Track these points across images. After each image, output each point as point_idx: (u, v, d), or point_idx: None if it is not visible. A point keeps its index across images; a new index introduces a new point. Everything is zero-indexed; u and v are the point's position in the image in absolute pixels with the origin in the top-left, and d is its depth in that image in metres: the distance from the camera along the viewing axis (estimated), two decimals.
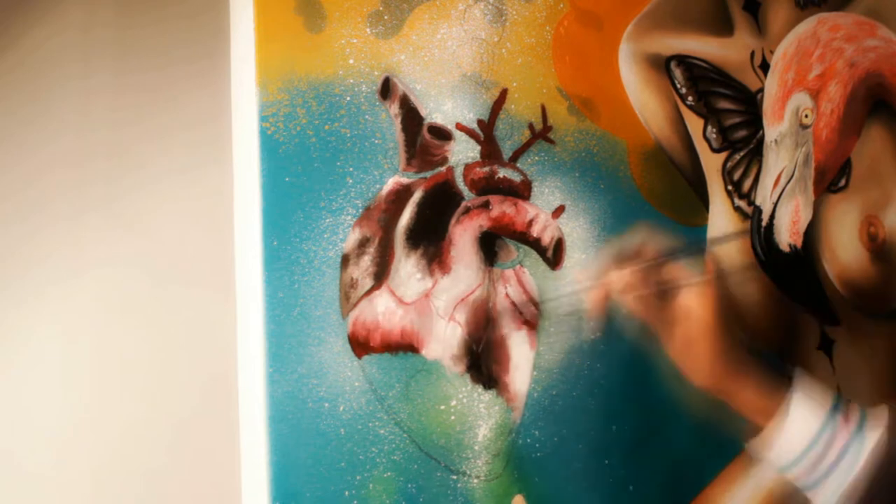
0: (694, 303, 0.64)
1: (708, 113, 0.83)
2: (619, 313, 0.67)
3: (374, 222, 0.73)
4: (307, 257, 0.71)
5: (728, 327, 0.64)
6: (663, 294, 0.65)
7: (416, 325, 0.73)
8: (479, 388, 0.74)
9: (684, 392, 0.79)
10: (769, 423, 0.64)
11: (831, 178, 0.88)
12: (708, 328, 0.64)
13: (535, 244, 0.76)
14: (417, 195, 0.74)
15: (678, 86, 0.82)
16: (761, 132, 0.85)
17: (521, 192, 0.76)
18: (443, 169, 0.75)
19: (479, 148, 0.75)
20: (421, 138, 0.74)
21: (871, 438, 0.61)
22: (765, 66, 0.86)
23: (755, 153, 0.85)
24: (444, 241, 0.74)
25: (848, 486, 0.60)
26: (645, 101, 0.81)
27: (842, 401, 0.64)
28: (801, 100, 0.85)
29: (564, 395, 0.76)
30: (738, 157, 0.84)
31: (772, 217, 0.84)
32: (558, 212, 0.77)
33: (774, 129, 0.85)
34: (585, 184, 0.78)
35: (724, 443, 0.82)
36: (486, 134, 0.76)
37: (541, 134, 0.77)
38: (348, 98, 0.73)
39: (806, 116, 0.85)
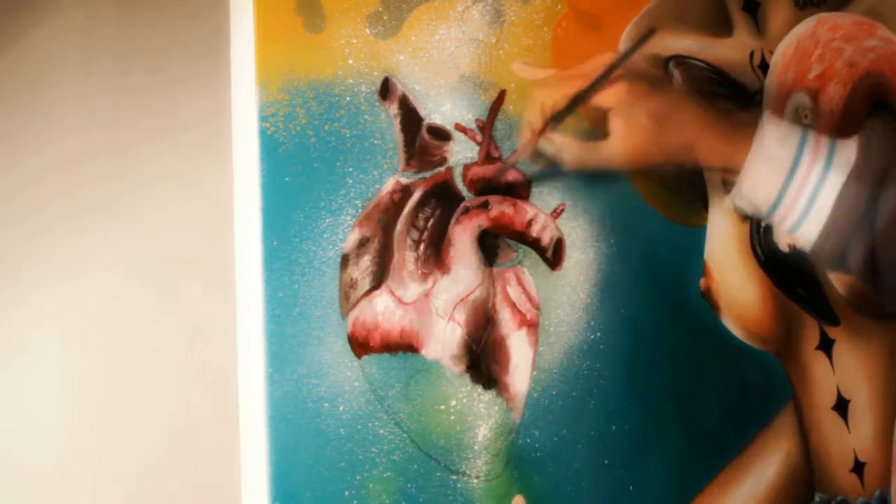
0: (630, 118, 0.62)
1: None
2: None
3: (373, 222, 0.73)
4: (307, 257, 0.71)
5: (675, 115, 0.62)
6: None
7: (416, 325, 0.73)
8: (479, 389, 0.74)
9: (685, 392, 0.80)
10: (740, 168, 0.61)
11: None
12: (658, 128, 0.62)
13: (535, 244, 0.76)
14: (417, 195, 0.74)
15: (678, 86, 0.82)
16: None
17: (519, 192, 0.76)
18: (442, 169, 0.75)
19: (477, 148, 0.76)
20: (420, 138, 0.74)
21: (843, 167, 0.59)
22: (764, 67, 0.86)
23: None
24: (443, 242, 0.74)
25: (826, 220, 0.59)
26: None
27: (809, 134, 0.61)
28: (800, 100, 0.85)
29: (564, 396, 0.76)
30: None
31: None
32: (558, 212, 0.77)
33: None
34: (584, 184, 0.78)
35: (725, 443, 0.82)
36: (484, 134, 0.76)
37: (539, 134, 0.77)
38: (348, 98, 0.73)
39: (805, 117, 0.85)
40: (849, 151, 0.60)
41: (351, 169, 0.73)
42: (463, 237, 0.74)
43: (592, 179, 0.77)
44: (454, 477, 0.73)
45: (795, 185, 0.60)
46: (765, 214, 0.63)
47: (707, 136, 0.63)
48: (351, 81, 0.73)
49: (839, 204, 0.58)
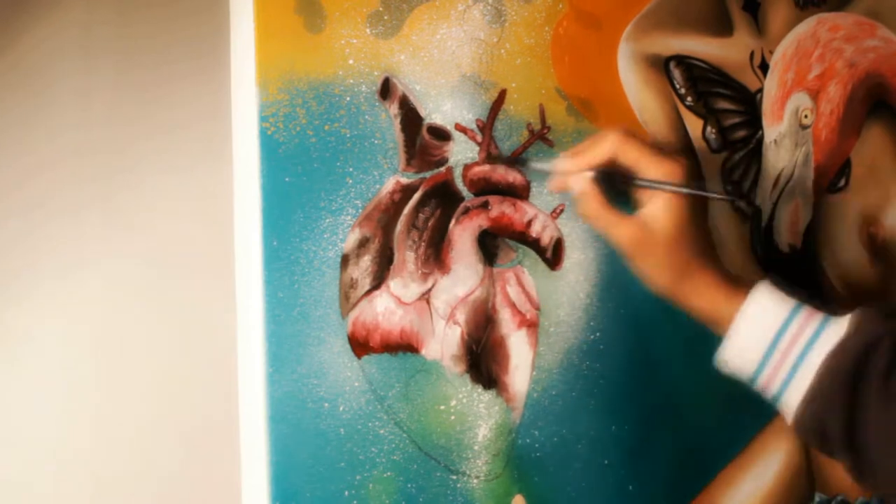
0: (660, 213, 0.62)
1: (707, 113, 0.83)
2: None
3: (373, 222, 0.73)
4: (307, 257, 0.71)
5: (693, 239, 0.63)
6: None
7: (416, 325, 0.73)
8: (479, 389, 0.74)
9: (685, 391, 0.80)
10: (728, 327, 0.61)
11: (831, 178, 0.88)
12: (671, 239, 0.62)
13: (535, 244, 0.76)
14: (417, 195, 0.74)
15: (677, 86, 0.82)
16: (761, 132, 0.85)
17: (519, 192, 0.76)
18: (442, 169, 0.75)
19: (478, 148, 0.76)
20: (420, 138, 0.74)
21: (831, 340, 0.58)
22: (764, 67, 0.86)
23: (754, 153, 0.85)
24: (443, 242, 0.74)
25: (808, 390, 0.58)
26: (644, 102, 0.81)
27: (804, 306, 0.61)
28: (800, 100, 0.85)
29: (564, 395, 0.77)
30: (737, 157, 0.84)
31: (771, 217, 0.84)
32: (557, 212, 0.77)
33: (774, 129, 0.85)
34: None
35: (725, 442, 0.82)
36: (484, 134, 0.76)
37: (539, 134, 0.77)
38: (348, 98, 0.73)
39: (805, 117, 0.85)
40: (840, 326, 0.59)
41: (351, 169, 0.73)
42: (463, 237, 0.74)
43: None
44: (454, 477, 0.73)
45: (779, 354, 0.59)
46: (749, 378, 0.62)
47: (704, 273, 0.63)
48: (351, 81, 0.73)
49: (822, 375, 0.57)
